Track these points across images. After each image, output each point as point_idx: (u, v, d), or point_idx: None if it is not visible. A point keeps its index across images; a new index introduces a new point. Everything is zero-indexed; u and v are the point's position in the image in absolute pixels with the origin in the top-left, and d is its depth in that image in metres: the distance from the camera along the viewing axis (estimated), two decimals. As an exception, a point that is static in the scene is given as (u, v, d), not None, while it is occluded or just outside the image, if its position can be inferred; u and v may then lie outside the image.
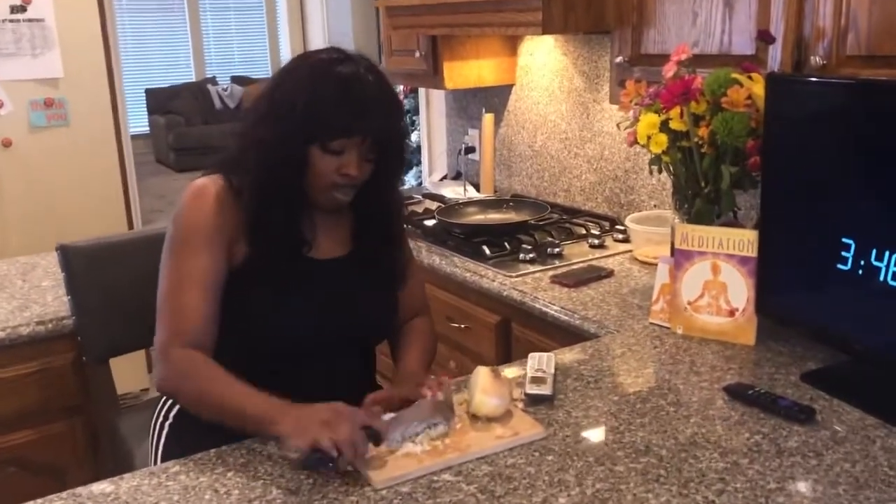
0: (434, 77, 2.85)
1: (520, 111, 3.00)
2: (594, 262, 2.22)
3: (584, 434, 1.33)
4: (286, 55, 4.57)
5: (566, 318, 1.89)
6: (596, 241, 2.38)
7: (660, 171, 1.82)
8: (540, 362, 1.53)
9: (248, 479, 1.23)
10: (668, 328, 1.75)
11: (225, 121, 9.52)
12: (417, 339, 1.65)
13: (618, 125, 1.82)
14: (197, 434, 1.47)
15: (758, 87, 1.56)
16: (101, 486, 1.22)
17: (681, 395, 1.46)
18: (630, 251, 2.30)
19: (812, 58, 1.64)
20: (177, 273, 1.42)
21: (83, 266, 1.91)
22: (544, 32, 2.05)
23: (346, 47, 1.48)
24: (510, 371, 1.56)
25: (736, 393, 1.43)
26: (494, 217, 2.59)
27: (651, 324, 1.79)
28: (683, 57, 1.68)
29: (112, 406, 1.97)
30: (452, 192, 3.09)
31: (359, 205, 1.53)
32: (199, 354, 1.38)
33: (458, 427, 1.33)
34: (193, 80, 10.70)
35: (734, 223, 1.71)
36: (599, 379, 1.53)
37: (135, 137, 10.27)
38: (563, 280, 2.08)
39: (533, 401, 1.43)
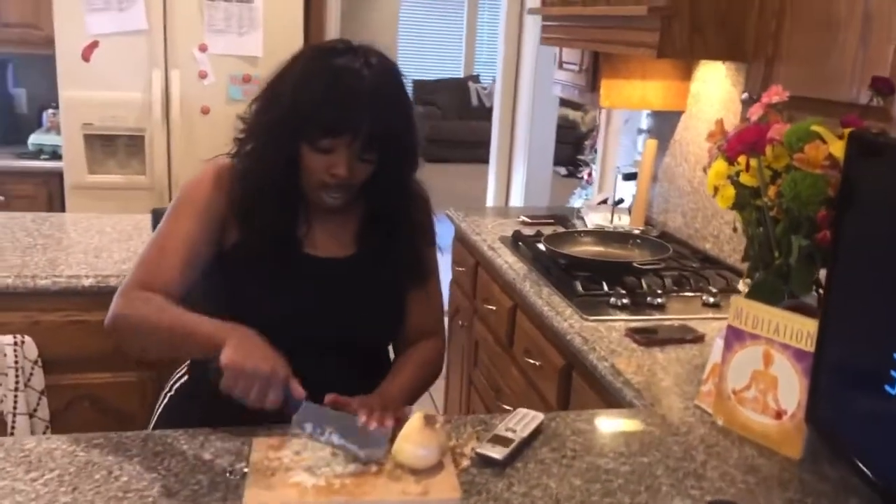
0: (591, 94, 2.66)
1: (685, 142, 2.71)
2: (691, 323, 1.94)
3: (504, 514, 1.15)
4: (500, 57, 4.53)
5: (610, 378, 1.67)
6: (711, 300, 2.08)
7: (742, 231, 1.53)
8: (518, 421, 1.36)
9: (146, 469, 1.21)
10: (710, 415, 1.47)
11: (479, 118, 9.76)
12: (411, 365, 1.53)
13: (704, 169, 1.56)
14: (188, 410, 1.51)
15: (837, 147, 1.25)
16: (25, 441, 1.27)
17: (658, 499, 1.21)
18: (743, 318, 1.97)
19: (941, 118, 1.28)
20: (163, 233, 1.45)
21: (169, 231, 2.02)
22: (660, 56, 1.81)
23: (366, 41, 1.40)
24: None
25: (718, 513, 1.16)
26: (610, 252, 2.36)
27: (696, 406, 1.52)
28: (775, 99, 1.39)
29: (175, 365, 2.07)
30: (602, 218, 2.87)
31: (364, 204, 1.48)
32: (155, 294, 1.38)
33: (373, 470, 1.21)
34: (460, 76, 11.10)
35: (806, 307, 1.39)
36: (579, 457, 1.32)
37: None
38: (637, 335, 1.83)
39: (482, 462, 1.27)
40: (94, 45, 3.29)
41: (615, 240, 2.43)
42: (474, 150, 8.64)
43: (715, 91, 2.51)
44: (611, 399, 1.68)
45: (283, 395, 1.24)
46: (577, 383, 1.89)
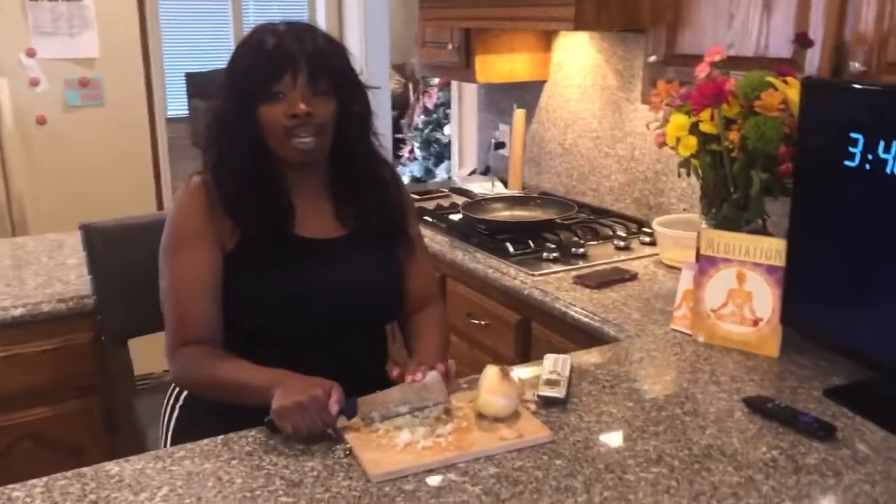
0: (466, 70, 2.82)
1: (551, 108, 2.96)
2: (619, 265, 2.18)
3: (596, 440, 1.30)
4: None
5: (586, 319, 1.86)
6: (622, 244, 2.34)
7: (689, 174, 1.78)
8: (556, 364, 1.51)
9: (252, 468, 1.21)
10: (689, 335, 1.71)
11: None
12: (431, 332, 1.63)
13: (647, 125, 1.79)
14: (205, 418, 1.48)
15: (793, 92, 1.51)
16: (107, 467, 1.22)
17: (698, 404, 1.42)
18: (656, 255, 2.25)
19: (851, 63, 1.58)
20: (174, 275, 1.46)
21: (104, 246, 1.91)
22: (576, 28, 2.01)
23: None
24: (527, 371, 1.53)
25: (755, 405, 1.39)
26: (521, 214, 2.56)
27: (673, 330, 1.75)
28: (717, 58, 1.64)
29: (129, 386, 1.98)
30: (480, 187, 3.06)
31: (339, 172, 1.55)
32: (201, 347, 1.42)
33: (463, 425, 1.31)
34: (233, 65, 10.79)
35: (762, 231, 1.67)
36: (616, 384, 1.50)
37: (174, 120, 10.37)
38: (585, 281, 2.04)
39: (545, 403, 1.41)
40: None
41: (518, 203, 2.63)
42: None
43: (580, 59, 2.77)
44: (581, 340, 1.87)
45: (336, 411, 1.27)
46: (538, 333, 2.07)
